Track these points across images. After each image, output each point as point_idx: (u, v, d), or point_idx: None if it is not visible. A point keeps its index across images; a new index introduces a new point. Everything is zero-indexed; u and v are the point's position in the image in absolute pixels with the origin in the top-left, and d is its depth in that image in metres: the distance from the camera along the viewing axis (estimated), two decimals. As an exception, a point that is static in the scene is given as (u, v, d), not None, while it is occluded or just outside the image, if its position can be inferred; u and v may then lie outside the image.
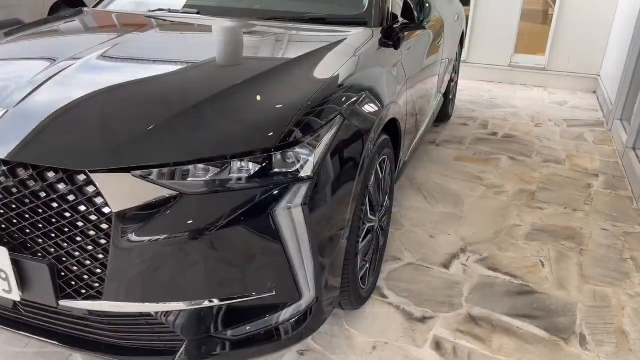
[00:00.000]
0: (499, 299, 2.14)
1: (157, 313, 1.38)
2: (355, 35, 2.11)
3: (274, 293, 1.44)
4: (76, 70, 1.66)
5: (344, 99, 1.68)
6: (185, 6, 2.45)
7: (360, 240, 1.82)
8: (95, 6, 2.61)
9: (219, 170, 1.36)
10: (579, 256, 2.47)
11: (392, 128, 2.15)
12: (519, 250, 2.50)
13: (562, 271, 2.35)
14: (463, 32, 4.43)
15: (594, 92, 5.77)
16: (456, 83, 4.61)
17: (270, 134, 1.41)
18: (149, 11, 2.42)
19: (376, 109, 1.85)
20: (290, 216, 1.39)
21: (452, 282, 2.25)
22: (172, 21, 2.29)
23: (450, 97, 4.31)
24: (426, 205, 2.94)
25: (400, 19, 2.41)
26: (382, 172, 2.01)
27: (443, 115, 4.27)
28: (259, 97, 1.56)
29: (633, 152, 3.54)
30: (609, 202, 3.07)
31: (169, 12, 2.38)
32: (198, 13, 2.34)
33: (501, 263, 2.39)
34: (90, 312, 1.40)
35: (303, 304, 1.50)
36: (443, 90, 3.80)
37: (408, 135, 2.50)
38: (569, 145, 4.05)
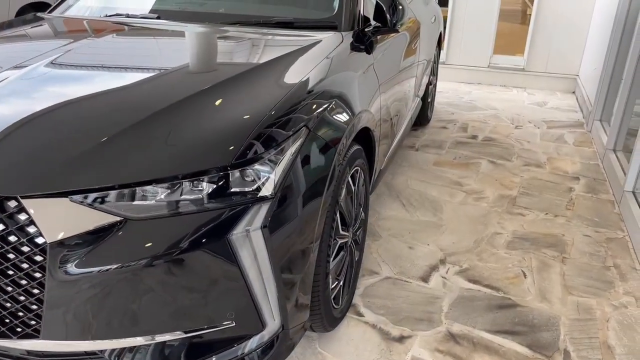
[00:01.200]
0: (480, 313, 2.05)
1: (102, 351, 1.25)
2: (324, 39, 2.00)
3: (234, 324, 1.32)
4: (17, 80, 1.53)
5: (310, 108, 1.56)
6: (144, 11, 2.30)
7: (332, 258, 1.71)
8: (51, 11, 2.46)
9: (169, 191, 1.23)
10: (562, 265, 2.39)
11: (365, 136, 2.05)
12: (500, 260, 2.42)
13: (545, 282, 2.26)
14: (441, 34, 4.35)
15: (573, 92, 5.75)
16: (435, 86, 4.54)
17: (227, 149, 1.30)
18: (106, 16, 2.28)
19: (346, 118, 1.74)
20: (249, 240, 1.27)
21: (432, 296, 2.15)
22: (131, 27, 2.16)
23: (429, 100, 4.23)
24: (404, 214, 2.84)
25: (373, 22, 2.31)
26: (355, 184, 1.90)
27: (422, 119, 4.18)
28: (216, 109, 1.44)
29: (613, 154, 3.49)
30: (590, 206, 3.01)
31: (127, 17, 2.24)
32: (158, 18, 2.21)
33: (482, 274, 2.30)
34: (29, 352, 1.26)
35: (266, 334, 1.38)
36: (421, 93, 3.72)
37: (383, 143, 2.40)
38: (549, 147, 3.99)
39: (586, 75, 5.24)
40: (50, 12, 2.46)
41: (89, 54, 1.86)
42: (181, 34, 2.09)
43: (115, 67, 1.72)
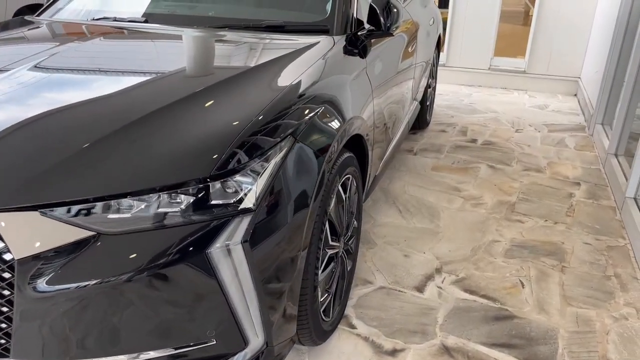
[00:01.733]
0: (476, 325, 1.99)
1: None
2: (315, 43, 1.94)
3: (215, 342, 1.27)
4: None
5: (298, 114, 1.51)
6: (133, 14, 2.25)
7: (320, 270, 1.65)
8: (39, 14, 2.42)
9: (146, 204, 1.18)
10: (561, 274, 2.33)
11: (358, 142, 1.99)
12: (497, 269, 2.35)
13: (543, 292, 2.20)
14: (440, 36, 4.29)
15: (575, 95, 5.68)
16: (434, 89, 4.48)
17: (207, 159, 1.24)
18: (94, 19, 2.23)
19: (337, 124, 1.68)
20: (229, 256, 1.21)
21: (426, 307, 2.09)
22: (119, 30, 2.10)
23: (428, 103, 4.17)
24: (401, 220, 2.78)
25: (367, 26, 2.25)
26: (346, 193, 1.85)
27: (421, 122, 4.12)
28: (198, 116, 1.39)
29: (615, 159, 3.42)
30: (591, 212, 2.94)
31: (115, 20, 2.19)
32: (146, 22, 2.16)
33: (479, 284, 2.24)
34: (-1, 372, 1.21)
35: (249, 352, 1.32)
36: (419, 97, 3.66)
37: (378, 148, 2.34)
38: (549, 151, 3.92)
39: (588, 77, 5.17)
40: (38, 15, 2.41)
41: (74, 57, 1.81)
42: (168, 38, 2.04)
43: (98, 72, 1.68)
